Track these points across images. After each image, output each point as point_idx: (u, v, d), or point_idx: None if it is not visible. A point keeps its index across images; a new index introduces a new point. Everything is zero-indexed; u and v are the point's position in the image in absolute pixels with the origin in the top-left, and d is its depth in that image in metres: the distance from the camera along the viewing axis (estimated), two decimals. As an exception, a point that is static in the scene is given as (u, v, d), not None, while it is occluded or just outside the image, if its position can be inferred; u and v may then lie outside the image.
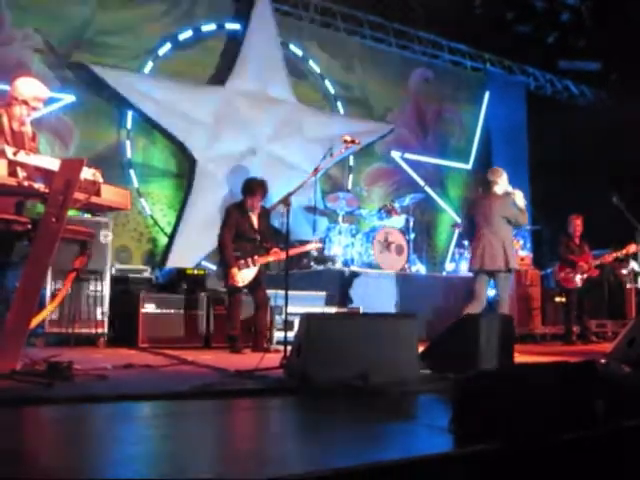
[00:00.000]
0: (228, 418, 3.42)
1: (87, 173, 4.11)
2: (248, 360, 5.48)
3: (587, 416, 2.89)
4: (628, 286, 9.49)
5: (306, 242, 7.99)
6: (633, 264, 9.23)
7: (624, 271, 9.56)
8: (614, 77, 14.65)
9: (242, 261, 6.84)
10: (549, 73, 14.88)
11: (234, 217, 7.06)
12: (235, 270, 6.81)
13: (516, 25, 13.01)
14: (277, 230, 8.52)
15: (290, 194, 5.54)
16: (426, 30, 13.13)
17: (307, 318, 4.05)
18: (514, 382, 2.57)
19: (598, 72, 14.55)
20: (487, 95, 14.21)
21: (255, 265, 6.92)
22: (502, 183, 7.24)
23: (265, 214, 7.32)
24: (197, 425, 3.15)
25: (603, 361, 5.60)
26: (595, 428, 2.87)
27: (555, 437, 2.61)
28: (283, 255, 6.58)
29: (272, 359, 4.93)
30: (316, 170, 6.34)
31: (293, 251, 7.12)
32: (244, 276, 6.86)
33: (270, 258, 7.07)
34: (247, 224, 7.09)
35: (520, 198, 7.22)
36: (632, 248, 9.02)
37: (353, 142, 5.93)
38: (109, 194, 4.33)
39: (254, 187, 7.13)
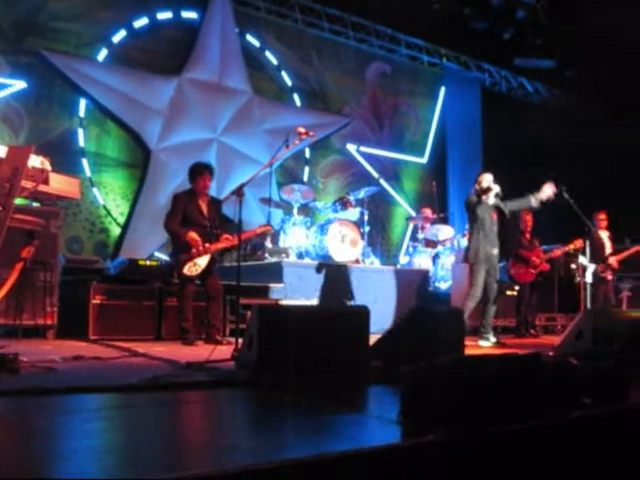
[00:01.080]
0: (178, 411, 3.38)
1: (35, 161, 4.03)
2: (200, 352, 5.44)
3: (534, 407, 2.94)
4: (577, 280, 9.67)
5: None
6: (581, 259, 9.40)
7: (573, 265, 9.74)
8: (568, 75, 14.89)
9: (193, 250, 6.58)
10: (504, 70, 15.07)
11: (181, 203, 6.79)
12: (185, 257, 6.58)
13: (473, 21, 13.13)
14: (230, 221, 8.45)
15: (243, 185, 5.49)
16: (384, 24, 13.17)
17: (258, 310, 4.02)
18: (461, 374, 2.59)
19: (552, 70, 14.77)
20: (443, 90, 14.33)
21: (206, 253, 6.66)
22: (484, 184, 7.70)
23: (215, 202, 7.05)
24: (146, 418, 3.10)
25: (551, 354, 5.72)
26: (541, 419, 2.92)
27: (502, 428, 2.64)
28: (235, 241, 6.45)
29: (224, 351, 4.90)
30: (270, 162, 6.30)
31: (245, 235, 6.82)
32: (195, 265, 6.64)
33: (221, 245, 6.76)
34: (196, 211, 6.82)
35: (497, 190, 7.69)
36: (579, 243, 9.19)
37: (307, 134, 5.90)
38: (58, 183, 4.26)
39: (200, 167, 6.90)
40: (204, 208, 6.88)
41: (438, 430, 2.41)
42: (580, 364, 3.90)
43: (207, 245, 6.65)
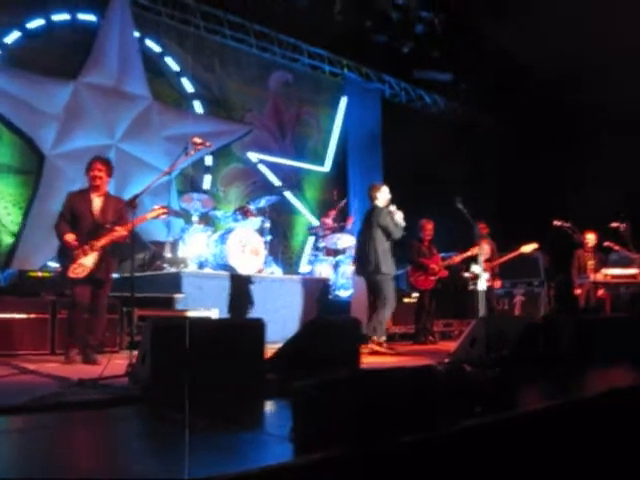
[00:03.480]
0: (62, 433, 3.21)
1: None
2: (93, 368, 5.27)
3: (427, 418, 3.00)
4: (470, 287, 9.95)
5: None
6: (474, 266, 9.69)
7: (466, 274, 10.03)
8: (464, 88, 15.36)
9: (80, 249, 6.03)
10: (404, 82, 15.38)
11: (70, 201, 6.31)
12: (70, 258, 6.06)
13: (373, 34, 13.36)
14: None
15: (136, 196, 5.36)
16: (286, 33, 13.22)
17: (152, 323, 3.94)
18: (352, 389, 2.61)
19: (450, 83, 15.20)
20: (344, 100, 14.50)
21: (93, 251, 6.08)
22: (381, 197, 8.09)
23: (117, 201, 6.47)
24: (26, 443, 2.92)
25: (447, 360, 5.85)
26: (435, 430, 2.98)
27: (395, 441, 2.68)
28: (123, 232, 6.04)
29: (120, 366, 4.77)
30: (168, 170, 6.18)
31: (136, 221, 6.07)
32: (80, 265, 6.05)
33: (107, 238, 6.12)
34: (87, 209, 6.27)
35: (399, 217, 8.07)
36: (475, 250, 9.47)
37: (203, 145, 5.82)
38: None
39: (91, 160, 6.41)
40: (98, 205, 6.33)
41: (330, 447, 2.42)
42: (473, 371, 4.01)
43: (93, 242, 6.11)
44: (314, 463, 2.30)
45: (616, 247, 10.69)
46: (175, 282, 8.28)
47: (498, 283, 10.32)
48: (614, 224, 10.35)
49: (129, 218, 5.36)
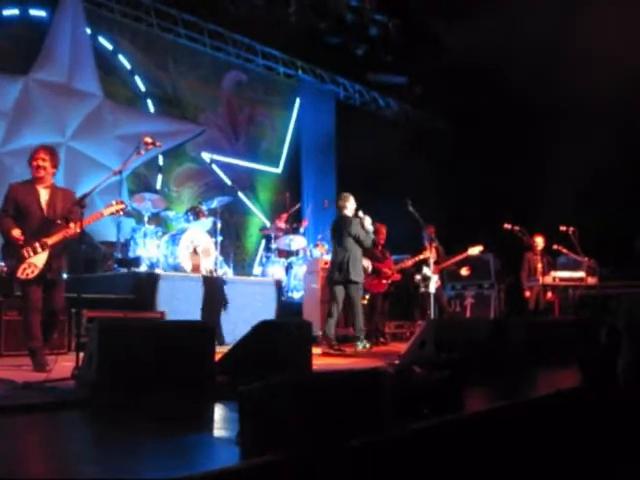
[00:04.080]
0: (4, 439, 3.13)
1: None
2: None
3: (375, 421, 3.01)
4: (421, 290, 10.04)
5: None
6: (425, 269, 9.78)
7: (417, 276, 10.11)
8: (418, 91, 15.49)
9: (28, 247, 5.58)
10: (358, 84, 15.44)
11: (13, 193, 5.81)
12: (18, 258, 5.59)
13: (328, 35, 13.39)
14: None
15: (85, 195, 5.27)
16: (241, 33, 13.16)
17: (99, 324, 3.88)
18: (300, 392, 2.60)
19: (403, 86, 15.32)
20: (298, 101, 14.49)
21: (44, 250, 5.62)
22: (350, 206, 8.33)
23: (66, 193, 6.01)
24: None
25: (397, 362, 5.90)
26: (382, 433, 2.99)
27: (342, 444, 2.68)
28: (76, 230, 5.59)
29: (67, 368, 4.66)
30: (119, 169, 6.09)
31: (91, 219, 5.85)
32: (30, 265, 5.60)
33: (60, 236, 5.67)
34: (34, 200, 5.79)
35: (368, 222, 8.33)
36: (426, 253, 9.56)
37: (154, 144, 5.75)
38: None
39: (34, 149, 5.96)
40: (45, 197, 5.84)
41: (276, 450, 2.41)
42: (421, 373, 4.04)
43: (43, 240, 5.63)
44: (259, 467, 2.29)
45: (564, 250, 10.89)
46: (125, 283, 8.18)
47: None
48: (563, 228, 10.54)
49: (78, 212, 5.12)
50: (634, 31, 9.91)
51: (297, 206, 12.37)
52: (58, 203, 5.85)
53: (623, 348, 4.53)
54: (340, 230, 8.29)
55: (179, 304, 8.32)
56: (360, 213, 8.36)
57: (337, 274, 8.17)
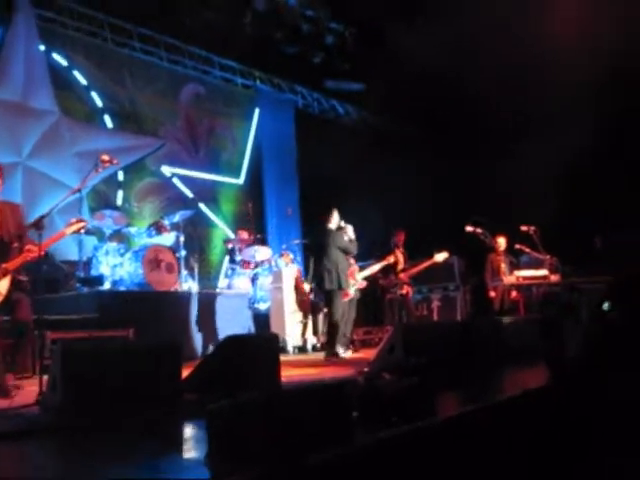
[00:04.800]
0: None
1: None
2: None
3: (344, 432, 3.00)
4: (388, 296, 10.07)
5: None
6: (391, 275, 9.82)
7: (382, 282, 10.14)
8: (375, 98, 15.57)
9: None
10: (316, 92, 15.48)
11: None
12: None
13: (284, 45, 13.41)
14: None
15: (43, 216, 5.19)
16: (197, 46, 13.12)
17: (62, 346, 3.81)
18: (267, 409, 2.59)
19: (361, 93, 15.39)
20: (257, 111, 14.48)
21: (5, 276, 5.31)
22: (333, 220, 8.72)
23: (12, 208, 5.64)
24: None
25: (366, 369, 5.89)
26: (351, 444, 2.98)
27: (312, 458, 2.67)
28: (37, 251, 5.25)
29: (31, 394, 4.55)
30: (77, 188, 6.01)
31: (52, 240, 5.59)
32: None
33: (21, 260, 5.37)
34: None
35: (351, 231, 8.79)
36: (391, 259, 9.60)
37: (111, 162, 5.69)
38: None
39: None
40: None
41: (245, 469, 2.39)
42: (390, 380, 4.04)
43: (4, 267, 5.31)
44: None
45: (527, 249, 11.01)
46: (89, 302, 8.05)
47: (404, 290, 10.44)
48: (524, 227, 10.65)
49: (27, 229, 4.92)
50: (587, 31, 10.09)
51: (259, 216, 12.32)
52: (10, 221, 5.50)
53: (573, 339, 4.60)
54: (326, 242, 8.63)
55: (145, 322, 8.19)
56: (342, 223, 8.77)
57: (329, 283, 8.49)
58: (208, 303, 9.16)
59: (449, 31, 10.56)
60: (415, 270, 10.39)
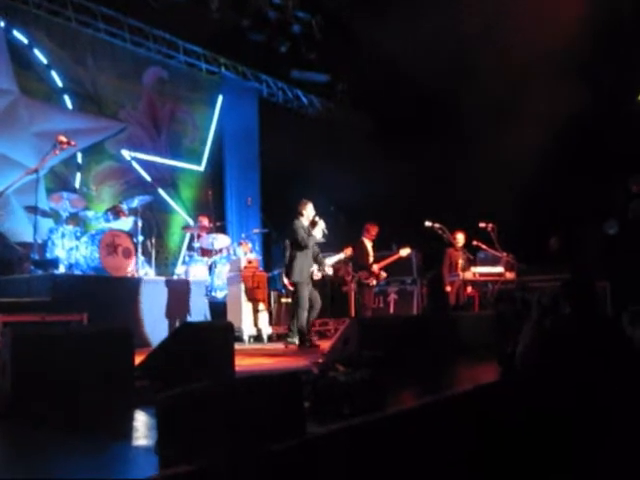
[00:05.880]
0: None
1: None
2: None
3: (296, 424, 3.01)
4: (344, 288, 10.13)
5: None
6: (350, 267, 9.88)
7: (340, 273, 10.20)
8: (340, 89, 15.59)
9: None
10: (281, 82, 15.42)
11: None
12: None
13: (251, 32, 13.32)
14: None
15: (-1, 196, 5.10)
16: (162, 29, 12.96)
17: (12, 331, 3.75)
18: (219, 398, 2.59)
19: (326, 84, 15.39)
20: (221, 98, 14.38)
21: None
22: (307, 214, 8.86)
23: None
24: None
25: (321, 360, 5.92)
26: (303, 435, 3.00)
27: (263, 449, 2.67)
28: None
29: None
30: (33, 169, 5.91)
31: None
32: None
33: None
34: None
35: (322, 226, 8.95)
36: (349, 251, 9.65)
37: (69, 144, 5.62)
38: None
39: None
40: None
41: (196, 459, 2.39)
42: (343, 373, 4.07)
43: None
44: (178, 477, 2.26)
45: (484, 246, 11.16)
46: (43, 285, 7.92)
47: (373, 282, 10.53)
48: (482, 224, 10.79)
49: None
50: (549, 20, 10.23)
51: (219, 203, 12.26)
52: None
53: (522, 334, 4.68)
54: (293, 235, 8.80)
55: (100, 307, 8.09)
56: (316, 218, 8.93)
57: (300, 275, 8.69)
58: (164, 290, 9.07)
59: (415, 24, 10.59)
60: (383, 264, 10.47)
